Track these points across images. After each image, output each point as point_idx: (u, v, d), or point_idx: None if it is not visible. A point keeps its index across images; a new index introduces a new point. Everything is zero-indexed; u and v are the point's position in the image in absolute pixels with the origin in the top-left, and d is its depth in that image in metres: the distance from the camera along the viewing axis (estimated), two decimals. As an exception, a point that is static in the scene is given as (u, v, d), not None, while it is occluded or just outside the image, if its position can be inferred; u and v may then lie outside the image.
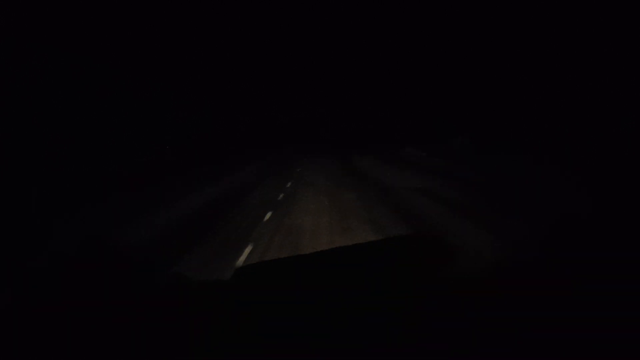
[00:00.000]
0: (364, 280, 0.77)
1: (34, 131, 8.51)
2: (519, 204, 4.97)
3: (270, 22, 31.36)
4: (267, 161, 14.78)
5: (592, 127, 8.72)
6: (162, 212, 5.56)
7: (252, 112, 29.63)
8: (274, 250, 3.13)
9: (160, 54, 15.71)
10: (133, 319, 0.76)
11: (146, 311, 0.77)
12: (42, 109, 8.89)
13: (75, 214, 5.68)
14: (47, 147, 9.12)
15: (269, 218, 4.62)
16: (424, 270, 0.72)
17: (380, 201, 5.56)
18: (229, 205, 5.74)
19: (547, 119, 10.35)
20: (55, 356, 0.73)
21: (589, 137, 8.53)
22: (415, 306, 0.74)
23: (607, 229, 2.88)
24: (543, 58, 10.26)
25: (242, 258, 3.00)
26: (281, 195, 6.39)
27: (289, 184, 7.88)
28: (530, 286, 0.83)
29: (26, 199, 6.62)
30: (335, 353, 0.67)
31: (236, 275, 0.73)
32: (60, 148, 9.56)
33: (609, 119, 8.40)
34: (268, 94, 32.22)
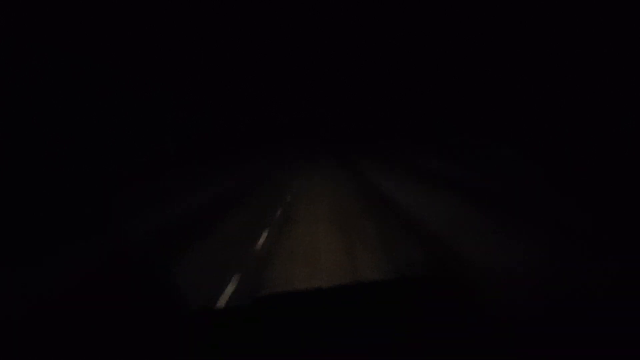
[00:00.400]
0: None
1: (35, 131, 8.52)
2: None
3: (270, 22, 31.39)
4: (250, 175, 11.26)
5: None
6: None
7: (253, 112, 29.60)
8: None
9: (160, 54, 15.71)
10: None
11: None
12: (43, 109, 8.89)
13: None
14: (54, 146, 9.22)
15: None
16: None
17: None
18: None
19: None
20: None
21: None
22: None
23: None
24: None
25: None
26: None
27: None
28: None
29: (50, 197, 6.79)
30: None
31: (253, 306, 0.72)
32: (65, 147, 9.63)
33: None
34: (268, 94, 32.21)
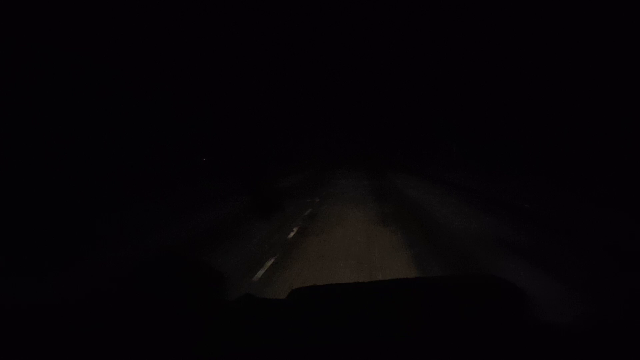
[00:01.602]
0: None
1: (40, 132, 8.62)
2: None
3: (291, 50, 31.61)
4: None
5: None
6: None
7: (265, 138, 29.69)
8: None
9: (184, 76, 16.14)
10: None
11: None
12: (45, 110, 8.99)
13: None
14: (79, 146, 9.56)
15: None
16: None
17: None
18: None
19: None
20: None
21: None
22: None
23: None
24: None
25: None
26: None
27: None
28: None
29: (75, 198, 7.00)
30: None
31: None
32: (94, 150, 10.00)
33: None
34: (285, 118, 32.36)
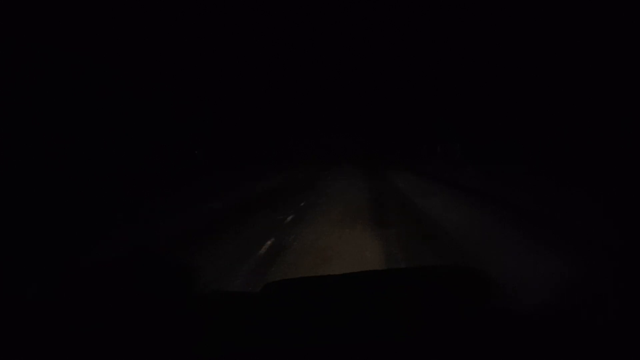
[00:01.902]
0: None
1: (42, 132, 8.61)
2: None
3: (295, 52, 31.67)
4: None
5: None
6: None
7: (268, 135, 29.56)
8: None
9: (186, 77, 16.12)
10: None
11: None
12: (49, 111, 8.99)
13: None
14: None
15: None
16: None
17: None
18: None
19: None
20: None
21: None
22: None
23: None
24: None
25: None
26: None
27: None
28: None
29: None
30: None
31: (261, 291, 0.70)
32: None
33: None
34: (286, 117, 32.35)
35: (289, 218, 4.78)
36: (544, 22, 10.62)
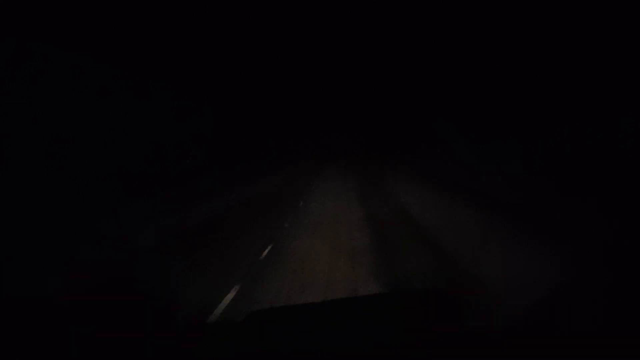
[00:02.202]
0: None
1: (39, 133, 8.58)
2: None
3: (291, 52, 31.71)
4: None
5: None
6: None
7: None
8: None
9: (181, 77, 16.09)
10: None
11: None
12: (46, 111, 8.97)
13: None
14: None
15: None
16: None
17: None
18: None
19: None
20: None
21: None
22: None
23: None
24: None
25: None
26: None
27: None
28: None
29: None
30: None
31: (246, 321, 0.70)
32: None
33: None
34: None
35: (266, 251, 3.92)
36: (545, 21, 10.62)
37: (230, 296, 2.53)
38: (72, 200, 7.05)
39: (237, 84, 23.80)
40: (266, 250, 3.92)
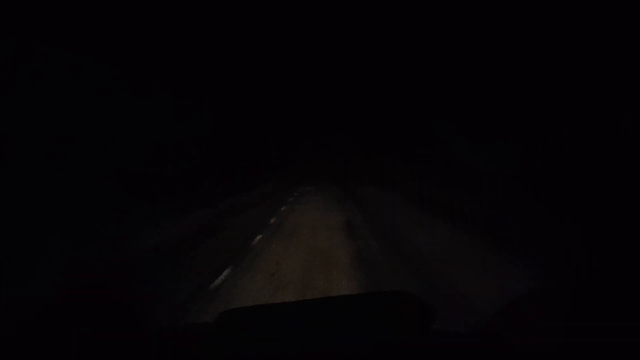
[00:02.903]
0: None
1: (37, 133, 8.59)
2: None
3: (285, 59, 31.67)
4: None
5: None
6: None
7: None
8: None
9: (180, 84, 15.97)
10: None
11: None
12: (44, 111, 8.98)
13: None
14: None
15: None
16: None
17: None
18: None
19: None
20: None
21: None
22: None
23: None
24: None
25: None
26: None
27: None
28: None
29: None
30: None
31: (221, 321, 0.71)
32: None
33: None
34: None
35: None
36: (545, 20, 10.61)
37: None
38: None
39: (236, 85, 23.81)
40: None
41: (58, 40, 9.50)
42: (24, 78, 8.33)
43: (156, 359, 0.71)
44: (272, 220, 7.27)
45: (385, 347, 0.67)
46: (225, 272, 3.91)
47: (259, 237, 5.68)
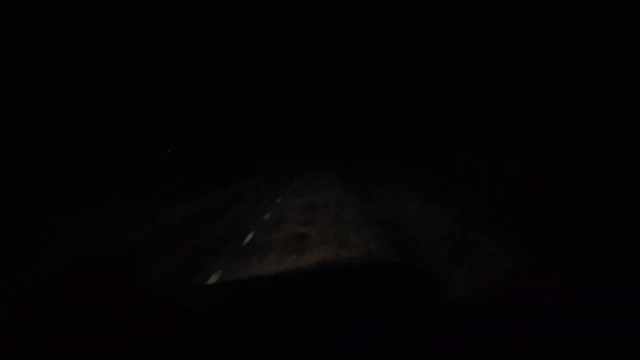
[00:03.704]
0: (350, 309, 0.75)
1: (35, 132, 8.57)
2: None
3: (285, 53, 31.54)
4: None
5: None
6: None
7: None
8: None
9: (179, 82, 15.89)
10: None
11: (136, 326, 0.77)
12: (43, 110, 8.96)
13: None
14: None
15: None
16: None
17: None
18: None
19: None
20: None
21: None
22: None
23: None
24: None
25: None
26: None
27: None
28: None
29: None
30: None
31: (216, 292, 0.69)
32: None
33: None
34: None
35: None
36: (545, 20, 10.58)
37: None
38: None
39: (237, 85, 23.78)
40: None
41: (58, 40, 9.50)
42: (24, 78, 8.32)
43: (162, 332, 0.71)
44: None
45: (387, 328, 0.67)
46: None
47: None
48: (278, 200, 6.64)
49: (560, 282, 2.46)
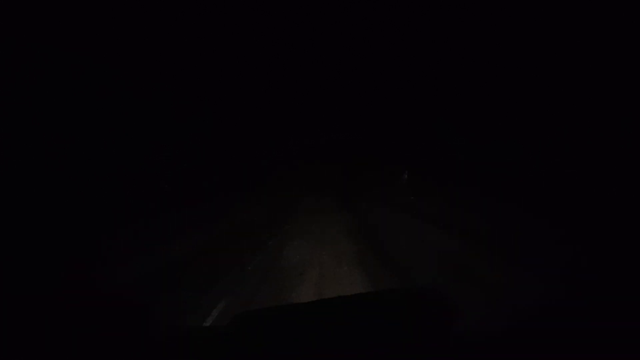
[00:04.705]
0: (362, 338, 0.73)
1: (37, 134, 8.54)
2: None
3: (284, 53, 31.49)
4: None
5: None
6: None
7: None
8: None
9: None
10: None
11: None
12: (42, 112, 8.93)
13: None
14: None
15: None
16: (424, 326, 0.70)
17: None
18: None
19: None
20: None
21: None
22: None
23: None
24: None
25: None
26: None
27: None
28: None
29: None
30: None
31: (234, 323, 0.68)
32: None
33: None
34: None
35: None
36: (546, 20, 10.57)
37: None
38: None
39: (237, 85, 23.71)
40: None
41: (58, 40, 9.46)
42: (24, 78, 8.30)
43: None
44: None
45: (400, 351, 0.66)
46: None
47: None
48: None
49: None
